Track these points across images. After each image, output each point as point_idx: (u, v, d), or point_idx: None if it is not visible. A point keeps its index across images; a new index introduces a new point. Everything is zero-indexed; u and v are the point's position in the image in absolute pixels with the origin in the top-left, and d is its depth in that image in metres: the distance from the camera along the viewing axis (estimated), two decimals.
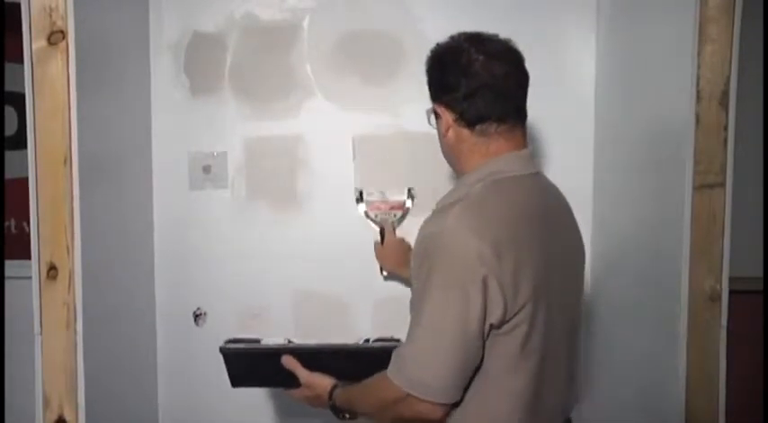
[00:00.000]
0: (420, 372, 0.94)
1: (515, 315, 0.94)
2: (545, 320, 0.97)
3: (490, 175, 1.00)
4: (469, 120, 1.02)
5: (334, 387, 1.14)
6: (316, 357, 1.19)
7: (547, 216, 1.02)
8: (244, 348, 1.23)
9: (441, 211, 1.00)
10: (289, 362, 1.20)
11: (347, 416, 1.13)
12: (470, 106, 1.01)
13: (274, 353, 1.20)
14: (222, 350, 1.22)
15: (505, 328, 0.94)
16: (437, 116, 1.07)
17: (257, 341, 1.26)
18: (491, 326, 0.93)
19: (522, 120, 1.05)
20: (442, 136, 1.08)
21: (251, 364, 1.24)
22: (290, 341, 1.26)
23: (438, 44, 1.07)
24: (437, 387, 0.93)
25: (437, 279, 0.93)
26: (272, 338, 1.27)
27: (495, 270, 0.91)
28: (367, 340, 1.28)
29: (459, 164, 1.07)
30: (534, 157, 1.07)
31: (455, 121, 1.03)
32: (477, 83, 1.00)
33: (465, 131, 1.03)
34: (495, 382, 0.96)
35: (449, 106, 1.04)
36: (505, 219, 0.96)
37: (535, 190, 1.04)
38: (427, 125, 1.12)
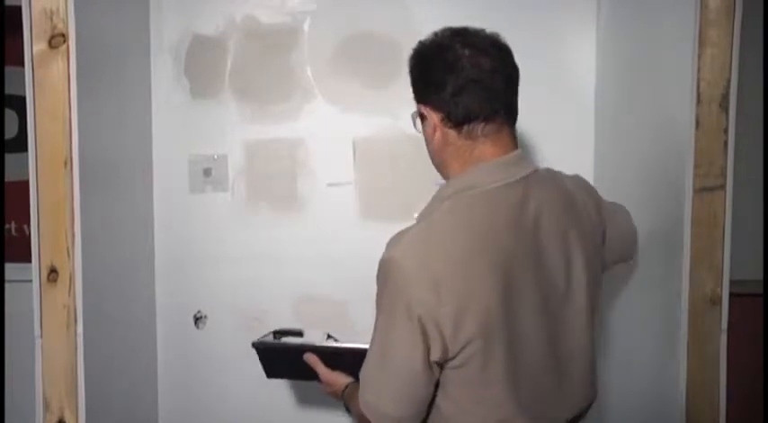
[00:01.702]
0: (374, 398, 0.95)
1: (460, 352, 0.89)
2: (507, 349, 0.90)
3: (462, 191, 0.95)
4: (457, 119, 0.96)
5: (347, 387, 1.16)
6: (336, 356, 1.23)
7: (531, 228, 0.94)
8: (271, 343, 1.35)
9: (400, 233, 0.95)
10: (310, 359, 1.24)
11: None
12: (458, 104, 0.95)
13: (299, 349, 1.28)
14: (254, 344, 1.33)
15: (452, 363, 0.91)
16: (423, 118, 1.02)
17: (300, 333, 1.36)
18: (436, 363, 0.91)
19: (510, 119, 0.99)
20: (428, 140, 1.02)
21: (279, 358, 1.34)
22: (329, 336, 1.34)
23: (421, 42, 1.01)
24: (391, 415, 0.93)
25: (383, 308, 0.93)
26: (312, 331, 1.35)
27: (432, 310, 0.87)
28: None
29: (443, 169, 1.02)
30: (532, 158, 1.06)
31: (441, 121, 0.98)
32: (465, 79, 0.94)
33: (452, 133, 0.98)
34: (462, 407, 0.93)
35: (435, 106, 0.98)
36: (460, 248, 0.89)
37: (517, 201, 0.95)
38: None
